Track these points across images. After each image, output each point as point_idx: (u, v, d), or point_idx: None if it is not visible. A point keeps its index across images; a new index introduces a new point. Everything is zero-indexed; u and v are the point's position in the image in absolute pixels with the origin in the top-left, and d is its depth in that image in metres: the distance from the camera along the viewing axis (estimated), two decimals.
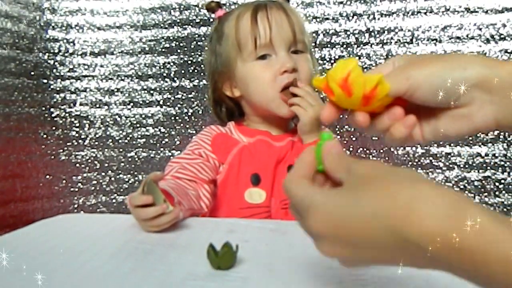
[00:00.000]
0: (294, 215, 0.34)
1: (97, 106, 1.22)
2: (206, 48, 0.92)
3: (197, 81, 1.19)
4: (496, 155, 1.08)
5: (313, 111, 0.77)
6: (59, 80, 1.22)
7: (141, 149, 1.21)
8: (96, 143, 1.22)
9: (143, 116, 1.21)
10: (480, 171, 1.09)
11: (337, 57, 1.14)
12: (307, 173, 0.35)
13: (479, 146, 1.09)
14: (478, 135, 1.09)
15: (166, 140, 1.20)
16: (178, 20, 1.19)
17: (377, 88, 0.35)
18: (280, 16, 0.80)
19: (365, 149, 1.13)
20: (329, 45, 1.13)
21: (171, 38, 1.19)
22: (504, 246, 0.23)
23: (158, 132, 1.20)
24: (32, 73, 1.17)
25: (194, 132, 1.18)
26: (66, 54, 1.22)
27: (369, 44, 1.12)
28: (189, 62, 1.19)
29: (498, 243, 0.24)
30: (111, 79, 1.22)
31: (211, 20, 1.18)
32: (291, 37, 0.79)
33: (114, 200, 1.22)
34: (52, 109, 1.21)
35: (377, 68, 0.39)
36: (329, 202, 0.30)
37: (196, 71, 1.19)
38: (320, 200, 0.30)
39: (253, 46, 0.79)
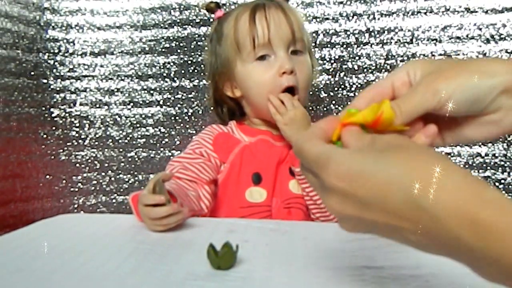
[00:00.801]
0: (305, 174, 0.33)
1: (97, 106, 1.22)
2: (206, 49, 0.92)
3: (197, 81, 1.19)
4: (496, 155, 1.08)
5: (288, 118, 0.77)
6: (59, 80, 1.22)
7: (141, 149, 1.21)
8: (96, 143, 1.22)
9: (143, 116, 1.21)
10: (480, 171, 1.09)
11: (337, 57, 1.14)
12: (323, 135, 0.34)
13: (479, 146, 1.09)
14: None
15: (166, 140, 1.20)
16: (178, 20, 1.19)
17: (381, 117, 0.34)
18: (278, 16, 0.79)
19: None
20: (329, 45, 1.13)
21: (171, 38, 1.19)
22: None
23: (158, 132, 1.20)
24: (32, 73, 1.17)
25: (194, 132, 1.18)
26: (66, 54, 1.22)
27: (369, 44, 1.12)
28: (189, 62, 1.19)
29: None
30: (111, 79, 1.22)
31: (211, 20, 1.18)
32: (290, 36, 0.79)
33: (114, 200, 1.22)
34: (52, 109, 1.21)
35: (390, 75, 0.38)
36: (349, 157, 0.29)
37: (196, 71, 1.19)
38: (340, 154, 0.30)
39: (251, 47, 0.79)
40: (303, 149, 0.32)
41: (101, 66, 1.22)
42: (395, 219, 0.28)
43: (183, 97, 1.19)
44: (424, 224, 0.26)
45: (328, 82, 1.14)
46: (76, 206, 1.23)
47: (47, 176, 1.20)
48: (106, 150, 1.22)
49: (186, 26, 1.19)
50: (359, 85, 1.13)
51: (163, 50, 1.20)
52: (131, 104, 1.21)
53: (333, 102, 1.14)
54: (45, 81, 1.20)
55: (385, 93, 0.37)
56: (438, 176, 0.26)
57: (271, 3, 0.81)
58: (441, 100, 0.34)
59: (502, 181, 1.09)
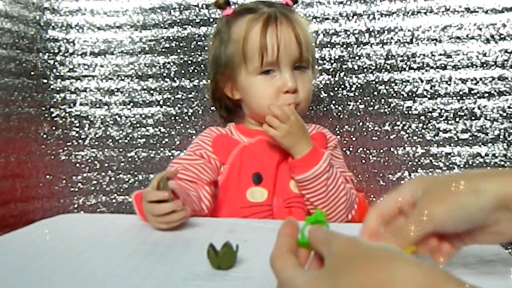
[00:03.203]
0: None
1: (97, 106, 1.22)
2: (211, 42, 0.92)
3: (197, 81, 1.19)
4: (496, 155, 1.09)
5: (285, 130, 0.77)
6: (59, 80, 1.22)
7: (141, 149, 1.21)
8: (96, 143, 1.22)
9: (143, 116, 1.21)
10: None
11: (337, 57, 1.14)
12: (291, 247, 0.36)
13: (479, 146, 1.09)
14: (477, 135, 1.09)
15: (166, 140, 1.20)
16: (178, 20, 1.19)
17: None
18: (289, 34, 0.80)
19: (365, 149, 1.13)
20: (329, 45, 1.13)
21: (171, 38, 1.19)
22: None
23: (158, 132, 1.20)
24: (32, 73, 1.17)
25: (194, 132, 1.18)
26: (66, 54, 1.22)
27: (369, 44, 1.12)
28: (189, 62, 1.19)
29: None
30: (111, 79, 1.22)
31: (211, 20, 1.18)
32: (297, 56, 0.80)
33: (114, 200, 1.22)
34: (52, 109, 1.21)
35: (395, 194, 0.41)
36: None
37: (196, 71, 1.19)
38: (300, 286, 0.31)
39: (259, 62, 0.80)
40: (275, 268, 0.35)
41: (101, 66, 1.22)
42: None
43: (183, 97, 1.19)
44: None
45: (328, 82, 1.14)
46: (76, 206, 1.23)
47: (47, 176, 1.20)
48: (106, 150, 1.22)
49: (186, 26, 1.19)
50: (359, 85, 1.13)
51: (163, 50, 1.20)
52: (131, 104, 1.21)
53: (333, 102, 1.14)
54: (45, 81, 1.20)
55: (391, 212, 0.41)
56: (391, 285, 0.26)
57: (282, 17, 0.81)
58: (437, 224, 0.37)
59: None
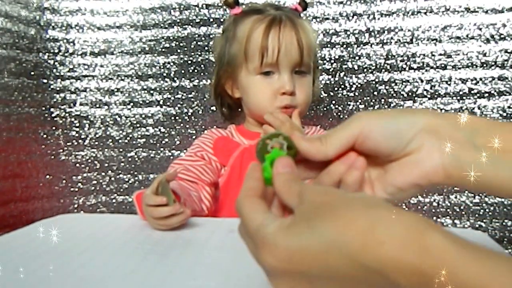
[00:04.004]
0: (243, 238, 0.33)
1: (97, 106, 1.22)
2: (218, 38, 0.92)
3: (197, 81, 1.19)
4: None
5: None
6: (59, 80, 1.22)
7: (141, 149, 1.21)
8: (96, 143, 1.22)
9: (143, 116, 1.21)
10: None
11: (337, 57, 1.14)
12: (259, 191, 0.34)
13: None
14: None
15: (166, 140, 1.20)
16: (178, 20, 1.19)
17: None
18: (291, 37, 0.80)
19: None
20: (329, 45, 1.14)
21: (171, 38, 1.19)
22: (463, 273, 0.23)
23: (158, 132, 1.20)
24: (32, 73, 1.17)
25: (194, 132, 1.18)
26: (66, 54, 1.22)
27: (369, 44, 1.12)
28: (189, 62, 1.19)
29: (458, 269, 0.23)
30: (111, 79, 1.22)
31: (211, 20, 1.18)
32: (298, 60, 0.81)
33: (114, 200, 1.22)
34: (52, 109, 1.21)
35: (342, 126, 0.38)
36: (282, 237, 0.28)
37: (196, 71, 1.19)
38: (273, 234, 0.29)
39: (259, 63, 0.81)
40: (242, 214, 0.32)
41: (101, 66, 1.22)
42: (348, 283, 0.27)
43: (183, 97, 1.19)
44: (375, 282, 0.26)
45: (328, 82, 1.14)
46: (76, 206, 1.23)
47: (47, 176, 1.20)
48: (106, 150, 1.22)
49: (186, 26, 1.19)
50: (359, 85, 1.13)
51: (163, 50, 1.20)
52: (131, 104, 1.21)
53: (333, 102, 1.14)
54: (45, 81, 1.20)
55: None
56: (376, 230, 0.25)
57: (287, 20, 0.81)
58: (363, 130, 0.35)
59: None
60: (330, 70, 1.13)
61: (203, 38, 1.18)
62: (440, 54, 1.10)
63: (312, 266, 0.27)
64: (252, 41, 0.81)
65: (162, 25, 1.19)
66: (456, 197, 1.11)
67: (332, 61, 1.14)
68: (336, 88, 1.14)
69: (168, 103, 1.20)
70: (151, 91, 1.20)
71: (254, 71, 0.81)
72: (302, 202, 0.30)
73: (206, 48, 1.18)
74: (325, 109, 1.14)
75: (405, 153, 0.36)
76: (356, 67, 1.13)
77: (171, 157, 1.19)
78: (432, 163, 0.35)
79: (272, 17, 0.81)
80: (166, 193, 0.61)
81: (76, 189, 1.23)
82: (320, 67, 1.13)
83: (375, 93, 1.12)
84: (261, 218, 0.31)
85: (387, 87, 1.12)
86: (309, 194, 0.30)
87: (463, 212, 1.11)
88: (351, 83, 1.13)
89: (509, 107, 1.08)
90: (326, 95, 1.14)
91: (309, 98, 0.85)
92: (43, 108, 1.19)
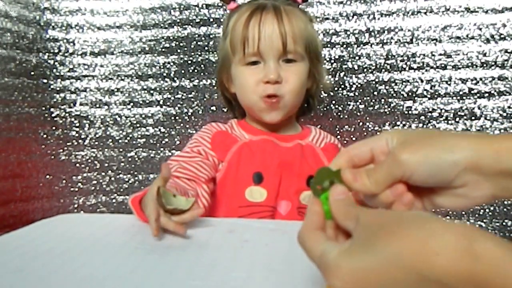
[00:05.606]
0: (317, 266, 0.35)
1: (97, 106, 1.22)
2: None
3: (197, 81, 1.19)
4: None
5: None
6: (59, 80, 1.22)
7: (141, 149, 1.21)
8: (96, 143, 1.22)
9: (143, 116, 1.21)
10: None
11: (337, 57, 1.14)
12: (319, 224, 0.36)
13: None
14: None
15: (166, 140, 1.20)
16: (178, 20, 1.19)
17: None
18: (272, 25, 0.79)
19: None
20: (329, 45, 1.14)
21: (171, 38, 1.19)
22: None
23: (158, 132, 1.20)
24: (32, 73, 1.17)
25: (194, 132, 1.17)
26: (66, 54, 1.22)
27: (369, 44, 1.12)
28: (189, 62, 1.19)
29: (510, 273, 0.24)
30: (111, 79, 1.22)
31: (211, 20, 1.18)
32: (280, 48, 0.79)
33: (114, 200, 1.22)
34: (52, 109, 1.21)
35: (370, 141, 0.40)
36: (344, 259, 0.31)
37: (196, 71, 1.19)
38: (335, 259, 0.31)
39: (242, 53, 0.80)
40: (306, 247, 0.35)
41: (101, 66, 1.22)
42: None
43: (183, 97, 1.19)
44: None
45: (329, 82, 1.14)
46: (76, 206, 1.23)
47: (47, 176, 1.20)
48: (106, 150, 1.22)
49: (186, 26, 1.19)
50: (359, 85, 1.13)
51: (163, 50, 1.20)
52: (131, 104, 1.21)
53: (333, 102, 1.14)
54: (45, 81, 1.20)
55: (363, 157, 0.39)
56: (431, 242, 0.27)
57: (270, 9, 0.80)
58: (406, 172, 0.36)
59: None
60: (330, 70, 1.13)
61: (203, 38, 1.18)
62: (440, 54, 1.10)
63: (376, 283, 0.29)
64: (236, 32, 0.81)
65: (162, 25, 1.19)
66: None
67: (332, 61, 1.14)
68: (336, 88, 1.14)
69: (168, 103, 1.20)
70: (151, 91, 1.20)
71: (240, 62, 0.81)
72: (359, 225, 0.32)
73: (206, 48, 1.18)
74: (325, 109, 1.14)
75: (452, 187, 0.37)
76: (356, 67, 1.13)
77: (171, 157, 1.19)
78: (481, 194, 0.36)
79: (256, 6, 0.81)
80: (170, 203, 0.59)
81: (76, 189, 1.23)
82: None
83: (375, 93, 1.12)
84: (322, 247, 0.33)
85: (387, 87, 1.12)
86: (365, 216, 0.32)
87: (463, 212, 1.11)
88: (351, 83, 1.13)
89: (509, 107, 1.08)
90: (326, 95, 1.14)
91: (299, 87, 0.82)
92: (43, 108, 1.19)
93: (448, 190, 0.37)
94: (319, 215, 0.36)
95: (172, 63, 1.19)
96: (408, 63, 1.11)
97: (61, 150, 1.22)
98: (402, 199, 0.37)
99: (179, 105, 1.19)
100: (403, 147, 0.37)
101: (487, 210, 1.10)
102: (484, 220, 1.10)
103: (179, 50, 1.19)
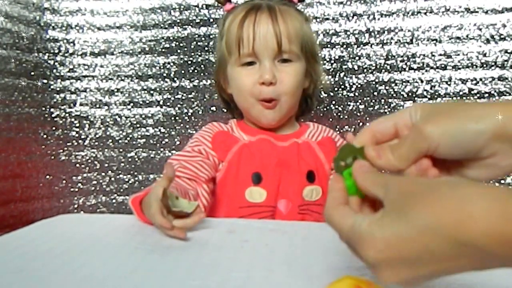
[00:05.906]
0: (346, 245, 0.35)
1: (97, 106, 1.22)
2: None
3: (197, 81, 1.19)
4: None
5: None
6: (59, 80, 1.22)
7: (141, 149, 1.21)
8: (96, 143, 1.22)
9: (143, 116, 1.21)
10: None
11: (337, 57, 1.14)
12: (343, 199, 0.35)
13: None
14: None
15: (166, 140, 1.20)
16: (178, 20, 1.19)
17: None
18: (267, 25, 0.79)
19: None
20: (329, 45, 1.14)
21: (171, 38, 1.19)
22: None
23: (158, 132, 1.20)
24: (32, 73, 1.17)
25: (194, 132, 1.17)
26: (66, 54, 1.22)
27: (369, 44, 1.12)
28: (189, 62, 1.19)
29: None
30: (111, 79, 1.22)
31: (211, 20, 1.18)
32: (275, 48, 0.79)
33: (114, 200, 1.22)
34: (52, 109, 1.21)
35: (394, 116, 0.39)
36: (377, 228, 0.30)
37: (196, 71, 1.19)
38: (368, 229, 0.31)
39: (237, 54, 0.80)
40: (334, 223, 0.34)
41: (101, 66, 1.22)
42: (446, 262, 0.28)
43: (183, 97, 1.19)
44: (473, 258, 0.27)
45: (328, 82, 1.14)
46: (76, 206, 1.23)
47: (47, 176, 1.20)
48: (106, 150, 1.22)
49: (186, 26, 1.19)
50: (359, 85, 1.13)
51: (163, 50, 1.20)
52: (131, 104, 1.21)
53: (333, 102, 1.14)
54: (45, 81, 1.20)
55: (387, 132, 0.39)
56: (468, 207, 0.27)
57: (264, 9, 0.80)
58: (431, 144, 0.35)
59: (502, 181, 1.09)
60: (330, 70, 1.14)
61: (203, 38, 1.18)
62: (440, 55, 1.10)
63: (410, 251, 0.29)
64: (230, 33, 0.81)
65: (162, 25, 1.20)
66: None
67: (332, 62, 1.14)
68: (336, 88, 1.14)
69: (168, 103, 1.20)
70: (151, 91, 1.20)
71: (236, 63, 0.81)
72: (389, 192, 0.31)
73: (206, 48, 1.18)
74: (325, 109, 1.14)
75: (479, 157, 0.36)
76: (356, 68, 1.13)
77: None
78: (510, 162, 0.35)
79: (251, 7, 0.81)
80: (175, 205, 0.59)
81: (76, 189, 1.23)
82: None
83: (375, 93, 1.12)
84: (352, 220, 0.32)
85: (387, 87, 1.12)
86: (395, 184, 0.32)
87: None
88: (351, 83, 1.13)
89: None
90: (326, 95, 1.14)
91: (295, 87, 0.82)
92: (43, 109, 1.20)
93: (476, 162, 0.36)
94: (342, 190, 0.36)
95: (172, 64, 1.19)
96: (408, 63, 1.11)
97: (61, 150, 1.22)
98: (428, 175, 0.36)
99: (179, 106, 1.19)
100: (427, 120, 0.36)
101: None
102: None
103: (179, 51, 1.19)
